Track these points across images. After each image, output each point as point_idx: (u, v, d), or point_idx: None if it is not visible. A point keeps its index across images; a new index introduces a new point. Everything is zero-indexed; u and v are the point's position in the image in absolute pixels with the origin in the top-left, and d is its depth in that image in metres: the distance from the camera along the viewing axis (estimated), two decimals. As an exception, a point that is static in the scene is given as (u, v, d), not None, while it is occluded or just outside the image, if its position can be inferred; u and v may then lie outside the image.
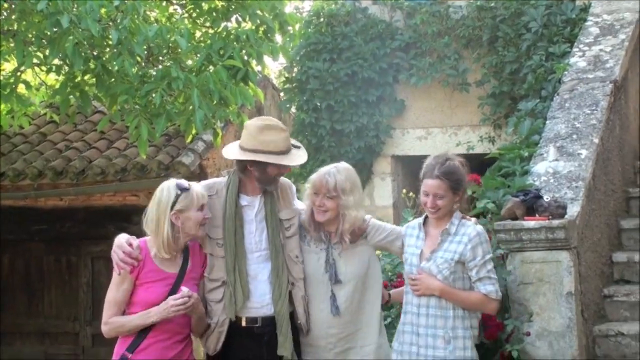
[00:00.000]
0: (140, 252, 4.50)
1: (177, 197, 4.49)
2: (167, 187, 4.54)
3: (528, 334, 5.29)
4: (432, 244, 4.73)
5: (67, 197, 11.47)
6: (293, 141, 4.84)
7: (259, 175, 4.69)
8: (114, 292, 4.50)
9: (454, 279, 4.65)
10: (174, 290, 4.51)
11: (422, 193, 4.74)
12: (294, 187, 5.00)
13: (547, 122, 6.72)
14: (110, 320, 4.49)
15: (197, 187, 4.60)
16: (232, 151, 4.76)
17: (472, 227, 4.70)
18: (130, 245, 4.49)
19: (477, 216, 5.93)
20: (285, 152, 4.69)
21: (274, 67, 15.92)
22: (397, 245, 4.91)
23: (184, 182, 4.58)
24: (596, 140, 6.32)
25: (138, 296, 4.49)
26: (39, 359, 12.15)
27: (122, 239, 4.53)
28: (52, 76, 9.29)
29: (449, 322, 4.65)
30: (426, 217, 4.85)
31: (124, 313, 4.53)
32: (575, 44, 7.87)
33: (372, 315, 4.84)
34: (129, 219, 11.63)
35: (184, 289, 4.48)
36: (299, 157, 4.79)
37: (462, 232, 4.69)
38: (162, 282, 4.51)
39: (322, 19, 11.46)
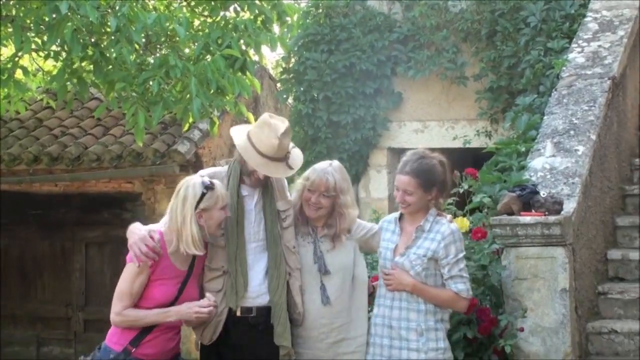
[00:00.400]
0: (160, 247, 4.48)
1: (203, 195, 4.47)
2: (193, 185, 4.50)
3: (522, 330, 5.30)
4: (407, 240, 4.75)
5: (61, 183, 11.47)
6: (294, 160, 4.81)
7: (242, 164, 4.73)
8: (130, 284, 4.44)
9: (426, 275, 4.67)
10: (182, 288, 4.50)
11: (395, 187, 4.78)
12: (285, 180, 5.00)
13: (545, 117, 6.72)
14: (125, 313, 4.44)
15: (221, 187, 4.57)
16: (240, 134, 4.77)
17: (446, 225, 4.72)
18: (152, 238, 4.45)
19: (472, 210, 5.95)
20: (270, 157, 4.67)
21: (270, 58, 15.91)
22: (376, 240, 4.96)
23: (208, 180, 4.54)
24: (593, 137, 6.32)
25: (150, 291, 4.46)
26: (31, 343, 12.17)
27: (143, 231, 4.47)
28: (50, 62, 9.26)
29: (421, 315, 4.67)
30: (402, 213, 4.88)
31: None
32: (574, 39, 7.86)
33: (362, 306, 4.89)
34: (123, 206, 11.65)
35: (210, 297, 4.49)
36: (277, 170, 4.74)
37: (436, 230, 4.71)
38: (174, 279, 4.49)
39: (320, 10, 11.43)
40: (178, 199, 4.49)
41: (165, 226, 4.55)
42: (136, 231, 4.47)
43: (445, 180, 4.78)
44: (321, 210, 4.83)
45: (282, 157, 4.71)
